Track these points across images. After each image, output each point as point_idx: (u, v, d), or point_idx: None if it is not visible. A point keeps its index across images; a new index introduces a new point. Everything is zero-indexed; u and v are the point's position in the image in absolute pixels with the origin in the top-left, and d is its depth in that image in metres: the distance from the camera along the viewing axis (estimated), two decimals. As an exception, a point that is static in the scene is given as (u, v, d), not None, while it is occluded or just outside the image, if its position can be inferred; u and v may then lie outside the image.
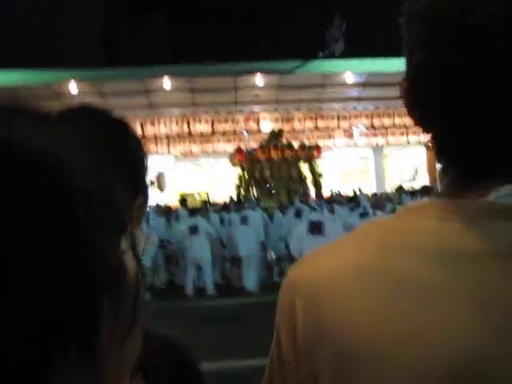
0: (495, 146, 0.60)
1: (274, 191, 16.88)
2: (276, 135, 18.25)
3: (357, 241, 0.66)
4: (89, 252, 0.37)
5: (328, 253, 0.68)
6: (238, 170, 18.70)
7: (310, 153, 18.13)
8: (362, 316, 0.59)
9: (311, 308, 0.63)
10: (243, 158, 17.87)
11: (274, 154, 17.45)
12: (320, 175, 18.17)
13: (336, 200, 13.28)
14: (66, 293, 0.36)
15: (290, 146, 18.01)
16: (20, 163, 0.36)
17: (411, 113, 0.67)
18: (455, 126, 0.62)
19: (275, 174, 17.32)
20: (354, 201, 11.94)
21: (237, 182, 18.19)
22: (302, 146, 18.27)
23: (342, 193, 16.25)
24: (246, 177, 17.86)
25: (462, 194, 0.62)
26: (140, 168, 1.02)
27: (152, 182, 16.82)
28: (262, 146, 17.89)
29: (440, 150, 0.66)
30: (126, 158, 0.94)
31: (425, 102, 0.64)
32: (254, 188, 17.63)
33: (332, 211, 10.29)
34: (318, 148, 18.66)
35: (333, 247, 0.69)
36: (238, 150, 18.20)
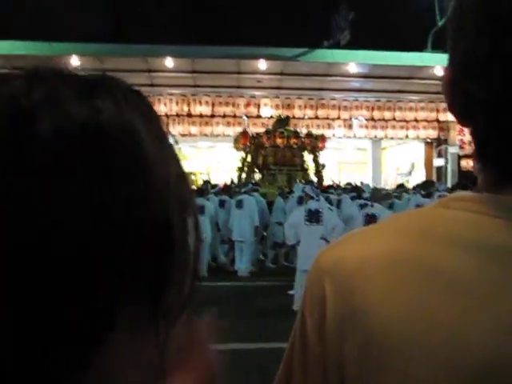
0: None
1: (275, 178, 16.77)
2: (282, 121, 18.07)
3: (392, 229, 0.65)
4: (167, 222, 0.41)
5: (362, 239, 0.66)
6: (239, 154, 18.53)
7: (315, 143, 17.98)
8: (393, 306, 0.58)
9: (342, 293, 0.62)
10: (247, 142, 17.72)
11: (280, 141, 17.28)
12: (323, 166, 18.01)
13: (343, 188, 13.40)
14: (145, 254, 0.39)
15: (296, 133, 17.86)
16: (116, 142, 0.39)
17: (450, 104, 0.65)
18: (490, 126, 0.60)
19: (278, 160, 17.18)
20: (356, 191, 11.93)
21: (239, 165, 18.04)
22: (309, 135, 18.11)
23: (343, 183, 16.33)
24: (249, 161, 17.72)
25: (499, 191, 0.60)
26: None
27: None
28: (267, 132, 17.69)
29: (477, 146, 0.63)
30: None
31: (465, 95, 0.62)
32: (255, 173, 17.51)
33: (329, 201, 10.32)
34: (323, 138, 18.38)
35: (366, 234, 0.67)
36: (244, 134, 18.00)
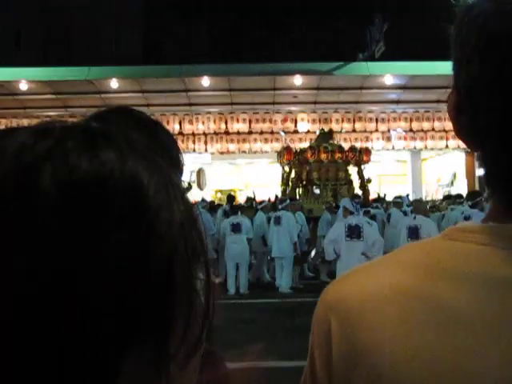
0: None
1: (320, 193, 16.63)
2: (325, 136, 17.89)
3: (397, 263, 0.64)
4: (173, 269, 0.40)
5: (367, 273, 0.67)
6: (278, 170, 18.47)
7: (360, 156, 17.77)
8: (397, 342, 0.57)
9: (347, 330, 0.62)
10: (291, 158, 17.66)
11: (324, 156, 17.17)
12: (369, 180, 17.74)
13: (395, 203, 13.20)
14: (150, 296, 0.39)
15: (340, 148, 17.70)
16: (127, 197, 0.39)
17: (457, 131, 0.64)
18: (499, 153, 0.58)
19: (323, 175, 17.03)
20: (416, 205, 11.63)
21: (283, 180, 17.99)
22: (353, 149, 17.92)
23: (388, 196, 16.10)
24: (293, 176, 17.65)
25: (507, 220, 0.59)
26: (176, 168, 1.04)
27: (190, 185, 16.85)
28: (311, 147, 17.56)
29: (486, 172, 0.62)
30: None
31: (473, 119, 0.60)
32: (300, 188, 17.40)
33: (370, 215, 10.12)
34: (367, 152, 18.08)
35: (372, 268, 0.68)
36: (287, 149, 17.91)
